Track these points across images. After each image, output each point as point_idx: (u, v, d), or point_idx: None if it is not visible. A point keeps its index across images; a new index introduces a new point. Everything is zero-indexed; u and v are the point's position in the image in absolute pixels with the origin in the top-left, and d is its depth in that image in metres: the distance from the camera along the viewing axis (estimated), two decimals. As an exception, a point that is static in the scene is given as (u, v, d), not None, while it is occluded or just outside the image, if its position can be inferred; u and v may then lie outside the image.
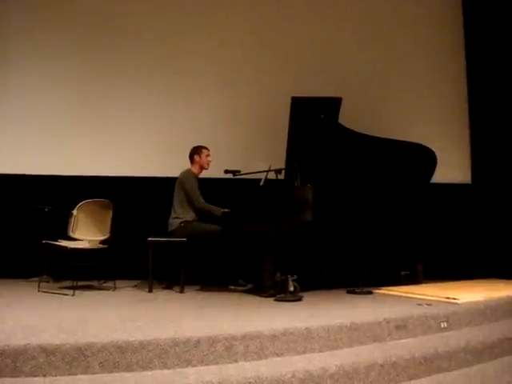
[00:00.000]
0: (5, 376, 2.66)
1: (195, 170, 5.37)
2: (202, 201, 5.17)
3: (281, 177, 5.03)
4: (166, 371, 2.85)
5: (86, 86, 6.18)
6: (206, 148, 5.39)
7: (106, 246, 5.03)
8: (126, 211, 5.48)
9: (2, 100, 6.09)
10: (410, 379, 3.18)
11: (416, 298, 4.46)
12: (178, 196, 5.23)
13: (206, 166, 5.40)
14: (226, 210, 4.98)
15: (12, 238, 5.78)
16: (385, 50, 6.62)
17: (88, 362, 2.77)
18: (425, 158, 5.48)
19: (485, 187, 6.46)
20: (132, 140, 6.16)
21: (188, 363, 2.93)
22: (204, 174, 5.45)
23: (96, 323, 3.36)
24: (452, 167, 6.40)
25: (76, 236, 4.86)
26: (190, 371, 2.85)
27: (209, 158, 5.38)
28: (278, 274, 4.74)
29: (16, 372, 2.68)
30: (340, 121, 5.24)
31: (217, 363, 2.98)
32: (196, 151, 5.39)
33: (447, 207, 6.21)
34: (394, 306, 4.15)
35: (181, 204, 5.19)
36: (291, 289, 4.52)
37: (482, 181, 6.53)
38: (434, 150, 5.49)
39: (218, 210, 5.05)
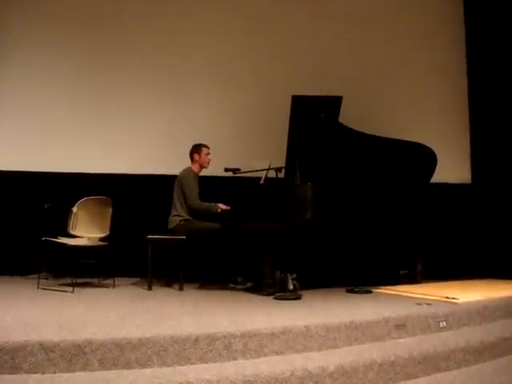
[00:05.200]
0: (4, 373, 2.65)
1: (195, 168, 5.35)
2: (197, 201, 5.14)
3: (281, 175, 5.05)
4: (164, 369, 2.85)
5: (86, 84, 6.18)
6: (206, 146, 5.37)
7: (105, 244, 5.03)
8: (125, 209, 5.48)
9: (2, 97, 6.09)
10: (409, 378, 3.18)
11: (415, 298, 4.46)
12: (177, 194, 5.22)
13: (205, 165, 5.38)
14: (226, 207, 4.97)
15: (11, 235, 5.78)
16: (385, 49, 6.63)
17: (87, 358, 2.77)
18: (425, 157, 5.47)
19: (485, 187, 6.47)
20: (132, 138, 6.17)
21: (187, 361, 2.92)
22: (204, 172, 5.45)
23: (95, 320, 3.36)
24: (452, 167, 6.41)
25: (76, 233, 4.85)
26: (189, 369, 2.85)
27: (209, 157, 5.36)
28: (278, 273, 4.74)
29: (15, 369, 2.68)
30: (340, 120, 5.23)
31: (216, 361, 2.98)
32: (196, 150, 5.37)
33: (447, 207, 6.21)
34: (393, 305, 4.15)
35: (180, 202, 5.18)
36: (290, 287, 4.51)
37: (482, 181, 6.54)
38: (434, 149, 5.49)
39: (214, 207, 5.05)
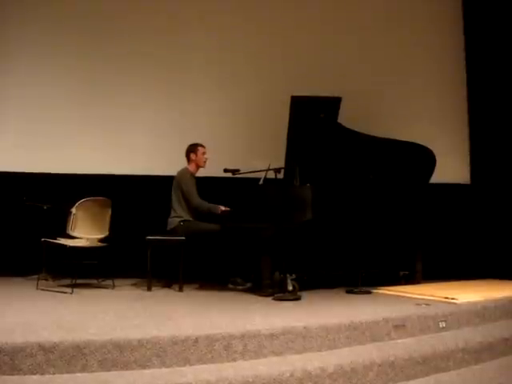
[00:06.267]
0: (3, 374, 2.65)
1: (191, 168, 5.34)
2: (199, 200, 5.15)
3: (280, 176, 5.03)
4: (164, 369, 2.85)
5: (86, 85, 6.17)
6: (201, 145, 5.36)
7: (105, 244, 5.04)
8: (125, 209, 5.48)
9: (2, 98, 6.09)
10: (408, 379, 3.18)
11: (415, 298, 4.46)
12: (175, 195, 5.21)
13: (202, 165, 5.36)
14: (226, 209, 4.96)
15: (11, 236, 5.78)
16: (385, 49, 6.63)
17: (86, 360, 2.77)
18: (424, 158, 5.48)
19: (484, 188, 6.48)
20: (132, 139, 6.16)
21: (186, 362, 2.93)
22: (203, 173, 5.45)
23: (95, 321, 3.36)
24: (451, 167, 6.41)
25: (75, 234, 4.86)
26: (189, 370, 2.85)
27: (205, 156, 5.35)
28: (277, 273, 4.75)
29: (14, 370, 2.67)
30: (340, 120, 5.23)
31: (215, 362, 2.97)
32: (192, 149, 5.35)
33: (446, 207, 6.21)
34: (393, 305, 4.15)
35: (179, 203, 5.18)
36: (290, 288, 4.51)
37: (481, 181, 6.54)
38: (433, 150, 5.49)
39: (216, 208, 5.04)
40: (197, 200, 5.15)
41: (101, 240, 5.06)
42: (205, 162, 5.36)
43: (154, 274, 5.00)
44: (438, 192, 5.65)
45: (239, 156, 5.90)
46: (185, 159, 5.38)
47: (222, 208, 5.00)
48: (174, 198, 5.23)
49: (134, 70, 6.25)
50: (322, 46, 6.48)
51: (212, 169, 5.40)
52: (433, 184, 5.57)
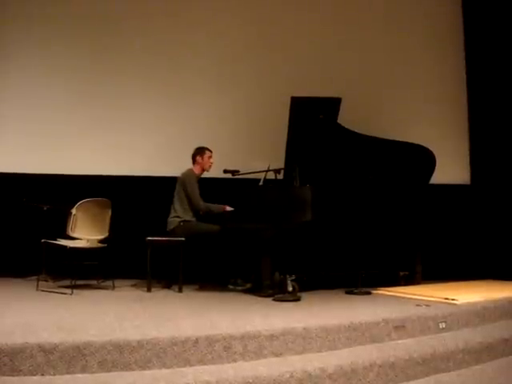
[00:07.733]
0: (3, 375, 2.65)
1: (196, 170, 5.36)
2: (202, 203, 5.16)
3: (280, 177, 5.05)
4: (164, 370, 2.85)
5: (86, 86, 6.18)
6: (209, 150, 5.39)
7: (104, 245, 5.04)
8: (125, 210, 5.48)
9: (2, 99, 6.09)
10: (409, 380, 3.18)
11: (414, 299, 4.46)
12: (178, 195, 5.22)
13: (207, 168, 5.39)
14: (230, 209, 4.96)
15: (11, 237, 5.78)
16: (384, 50, 6.64)
17: (86, 361, 2.77)
18: (424, 158, 5.48)
19: (484, 188, 6.48)
20: (131, 140, 6.16)
21: (186, 362, 2.93)
22: (203, 174, 5.44)
23: (94, 322, 3.35)
24: (451, 168, 6.41)
25: (75, 235, 4.86)
26: (189, 371, 2.85)
27: (211, 161, 5.37)
28: (277, 274, 4.75)
29: (14, 371, 2.67)
30: (339, 121, 5.24)
31: (215, 363, 2.97)
32: (199, 152, 5.37)
33: (446, 208, 6.22)
34: (393, 306, 4.15)
35: (181, 203, 5.19)
36: (290, 289, 4.52)
37: (481, 182, 6.54)
38: (433, 150, 5.49)
39: (218, 208, 5.05)
40: (200, 202, 5.15)
41: (101, 241, 5.06)
42: (210, 166, 5.38)
43: (153, 274, 5.00)
44: (437, 193, 5.65)
45: (239, 157, 5.90)
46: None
47: (227, 208, 5.00)
48: (176, 197, 5.23)
49: (134, 72, 6.25)
50: (321, 47, 6.48)
51: (212, 170, 5.41)
52: (433, 184, 5.57)
